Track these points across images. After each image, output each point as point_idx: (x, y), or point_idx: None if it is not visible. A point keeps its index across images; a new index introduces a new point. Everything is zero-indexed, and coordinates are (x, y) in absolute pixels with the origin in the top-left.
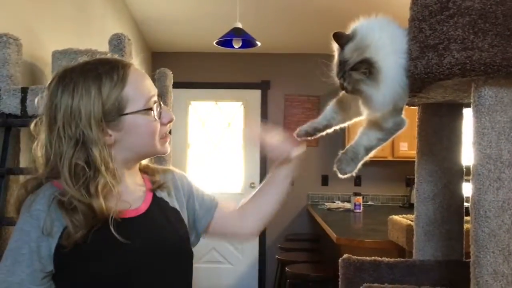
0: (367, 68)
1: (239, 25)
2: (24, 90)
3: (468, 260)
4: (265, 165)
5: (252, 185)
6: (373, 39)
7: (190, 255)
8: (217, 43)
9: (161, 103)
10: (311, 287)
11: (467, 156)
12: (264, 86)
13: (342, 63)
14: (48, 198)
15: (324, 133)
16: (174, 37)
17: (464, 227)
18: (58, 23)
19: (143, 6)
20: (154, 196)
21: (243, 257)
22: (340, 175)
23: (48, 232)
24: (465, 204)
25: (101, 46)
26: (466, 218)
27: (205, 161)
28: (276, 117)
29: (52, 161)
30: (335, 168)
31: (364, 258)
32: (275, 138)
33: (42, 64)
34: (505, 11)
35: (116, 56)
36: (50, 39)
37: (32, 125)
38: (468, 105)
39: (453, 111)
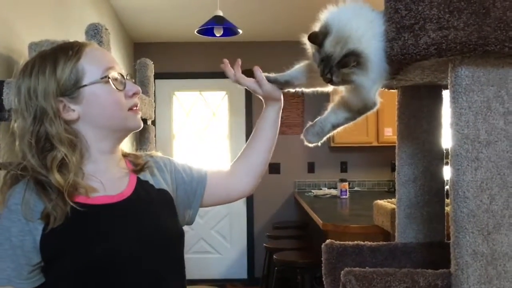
0: (355, 60)
1: (220, 13)
2: (0, 84)
3: (449, 241)
4: None
5: None
6: (351, 28)
7: (179, 234)
8: (198, 32)
9: (125, 76)
10: (299, 273)
11: (447, 138)
12: (247, 75)
13: (326, 59)
14: (23, 189)
15: (285, 90)
16: (155, 27)
17: (446, 209)
18: (35, 14)
19: None
20: (138, 180)
21: (231, 247)
22: (306, 143)
23: (31, 218)
24: (446, 186)
25: (80, 37)
26: (447, 200)
27: (191, 152)
28: (261, 105)
29: (18, 142)
30: (301, 137)
31: (346, 243)
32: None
33: (18, 56)
34: None
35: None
36: (27, 31)
37: (12, 122)
38: (447, 87)
39: (432, 93)
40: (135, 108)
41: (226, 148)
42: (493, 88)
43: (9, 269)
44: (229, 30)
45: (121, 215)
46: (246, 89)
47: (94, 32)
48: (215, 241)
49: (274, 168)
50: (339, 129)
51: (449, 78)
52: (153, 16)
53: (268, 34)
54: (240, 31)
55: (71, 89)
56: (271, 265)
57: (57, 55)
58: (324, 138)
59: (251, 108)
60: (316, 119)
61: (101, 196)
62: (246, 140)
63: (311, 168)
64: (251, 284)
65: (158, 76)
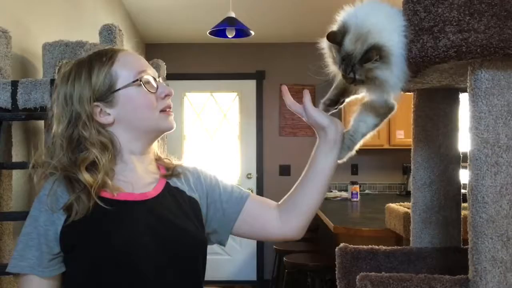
0: (377, 53)
1: (232, 15)
2: (14, 84)
3: (466, 246)
4: (261, 156)
5: (249, 176)
6: (370, 23)
7: (202, 243)
8: (210, 33)
9: (157, 79)
10: (309, 276)
11: (464, 142)
12: (259, 76)
13: (346, 58)
14: (53, 182)
15: (344, 102)
16: (168, 28)
17: (462, 213)
18: (49, 15)
19: None
20: (167, 184)
21: (241, 248)
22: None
23: (55, 209)
24: (462, 190)
25: (93, 38)
26: (463, 204)
27: (201, 153)
28: (272, 107)
29: (52, 145)
30: None
31: (361, 246)
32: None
33: (32, 57)
34: None
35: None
36: (41, 32)
37: (54, 127)
38: (464, 90)
39: (449, 96)
40: (168, 109)
41: (236, 149)
42: None
43: (34, 257)
44: (241, 31)
45: (142, 213)
46: (256, 89)
47: (108, 33)
48: None
49: (284, 170)
50: (367, 137)
51: (468, 81)
52: (165, 17)
53: (280, 36)
54: (252, 32)
55: (106, 94)
56: (281, 267)
57: (92, 62)
58: (353, 153)
59: (262, 110)
60: (344, 134)
61: (125, 193)
62: (257, 142)
63: None
64: (260, 286)
65: (169, 77)
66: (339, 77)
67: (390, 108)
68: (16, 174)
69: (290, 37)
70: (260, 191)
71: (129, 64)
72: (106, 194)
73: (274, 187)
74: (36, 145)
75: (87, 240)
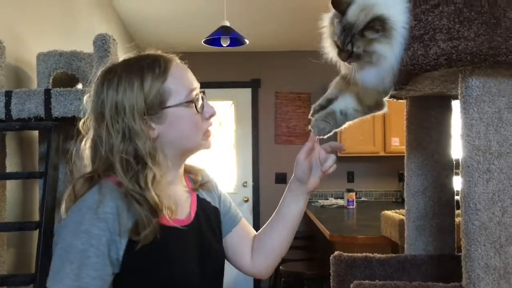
0: (381, 25)
1: (227, 23)
2: (8, 94)
3: (460, 254)
4: (257, 164)
5: (245, 184)
6: None
7: (224, 257)
8: (205, 42)
9: (204, 97)
10: (306, 285)
11: (457, 148)
12: (254, 85)
13: (347, 27)
14: (116, 199)
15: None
16: (162, 37)
17: (456, 220)
18: (43, 25)
19: (130, 6)
20: (198, 198)
21: None
22: (316, 135)
23: (120, 233)
24: (456, 197)
25: (87, 48)
26: (457, 211)
27: (197, 161)
28: (267, 115)
29: (104, 155)
30: (309, 127)
31: (355, 254)
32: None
33: (27, 66)
34: None
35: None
36: (35, 42)
37: (80, 123)
38: (456, 97)
39: (441, 103)
40: (209, 131)
41: (232, 157)
42: (504, 98)
43: (89, 277)
44: (236, 40)
45: (190, 239)
46: (252, 98)
47: (102, 42)
48: None
49: (280, 177)
50: (346, 124)
51: (459, 88)
52: (161, 26)
53: (275, 44)
54: (247, 41)
55: (156, 109)
56: (277, 275)
57: (143, 71)
58: (333, 130)
59: (257, 118)
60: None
61: (176, 218)
62: (253, 150)
63: None
64: None
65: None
66: (333, 83)
67: (378, 105)
68: (10, 184)
69: (285, 46)
70: (256, 199)
71: (182, 81)
72: (163, 219)
73: (270, 195)
74: (31, 154)
75: (150, 267)
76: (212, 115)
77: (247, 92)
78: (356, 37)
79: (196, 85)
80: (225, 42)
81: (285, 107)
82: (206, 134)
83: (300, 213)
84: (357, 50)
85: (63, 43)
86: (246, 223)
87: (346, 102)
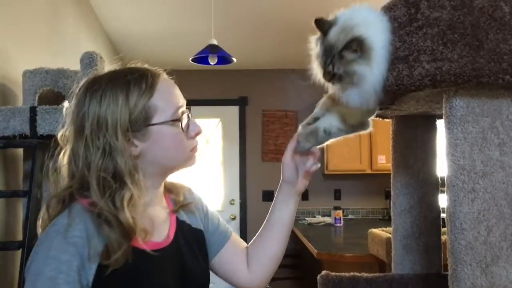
0: (358, 45)
1: (215, 42)
2: None
3: (447, 272)
4: (245, 182)
5: (232, 202)
6: (359, 17)
7: (208, 281)
8: (193, 60)
9: (189, 115)
10: None
11: (442, 167)
12: (241, 102)
13: (328, 49)
14: (85, 222)
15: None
16: (150, 55)
17: (442, 238)
18: (30, 42)
19: (118, 24)
20: (177, 220)
21: None
22: (298, 149)
23: (90, 257)
24: (442, 215)
25: (75, 65)
26: (443, 229)
27: (184, 178)
28: (255, 132)
29: (79, 172)
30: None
31: (342, 274)
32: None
33: (12, 84)
34: (473, 21)
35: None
36: (21, 58)
37: (59, 135)
38: (441, 117)
39: (427, 122)
40: (195, 149)
41: (219, 175)
42: (487, 119)
43: None
44: (224, 58)
45: (167, 262)
46: (239, 115)
47: (89, 60)
48: None
49: (268, 195)
50: (329, 141)
51: (443, 108)
52: (148, 44)
53: (262, 62)
54: (234, 59)
55: (140, 125)
56: None
57: (130, 86)
58: (318, 146)
59: (244, 135)
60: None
61: (152, 241)
62: (240, 167)
63: (304, 195)
64: None
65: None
66: (320, 103)
67: (362, 124)
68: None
69: (272, 64)
70: (243, 217)
71: (169, 97)
72: (136, 242)
73: (257, 212)
74: (15, 172)
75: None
76: (198, 133)
77: (234, 110)
78: (336, 58)
79: (183, 102)
80: (212, 61)
81: (272, 124)
82: (192, 151)
83: (292, 216)
84: (337, 71)
85: (49, 60)
86: (237, 238)
87: (330, 121)
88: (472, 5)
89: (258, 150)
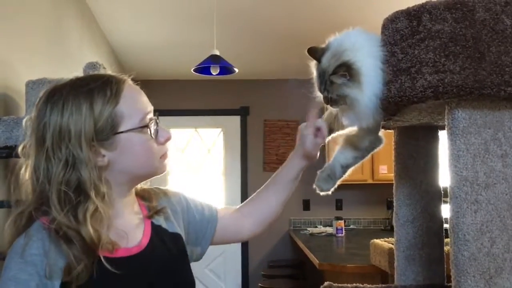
0: (346, 70)
1: (217, 52)
2: None
3: (450, 284)
4: (246, 192)
5: None
6: (349, 43)
7: (193, 284)
8: (194, 70)
9: (158, 121)
10: None
11: (445, 177)
12: (243, 112)
13: (322, 74)
14: (42, 239)
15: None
16: (152, 65)
17: (445, 249)
18: (33, 52)
19: (121, 35)
20: (153, 225)
21: (226, 286)
22: (319, 192)
23: (50, 275)
24: (445, 225)
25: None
26: (446, 240)
27: (185, 188)
28: (256, 142)
29: (40, 185)
30: (314, 186)
31: (345, 285)
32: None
33: (15, 94)
34: (474, 34)
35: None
36: (24, 69)
37: (19, 148)
38: (443, 128)
39: (429, 133)
40: (165, 155)
41: (221, 184)
42: (490, 130)
43: None
44: (225, 68)
45: (140, 267)
46: (241, 125)
47: (92, 70)
48: (209, 280)
49: None
50: (349, 170)
51: (446, 120)
52: (151, 54)
53: (264, 72)
54: (236, 69)
55: (107, 134)
56: None
57: (93, 94)
58: (338, 183)
59: (246, 145)
60: (325, 165)
61: (123, 249)
62: (241, 177)
63: (306, 205)
64: None
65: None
66: (325, 114)
67: (373, 143)
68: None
69: (273, 74)
70: None
71: (135, 104)
72: (104, 252)
73: None
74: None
75: None
76: (167, 139)
77: (236, 120)
78: (328, 83)
79: (150, 108)
80: (214, 71)
81: (273, 134)
82: (162, 157)
83: (298, 177)
84: (331, 95)
85: (53, 71)
86: (223, 209)
87: (344, 154)
88: (473, 17)
89: (259, 160)
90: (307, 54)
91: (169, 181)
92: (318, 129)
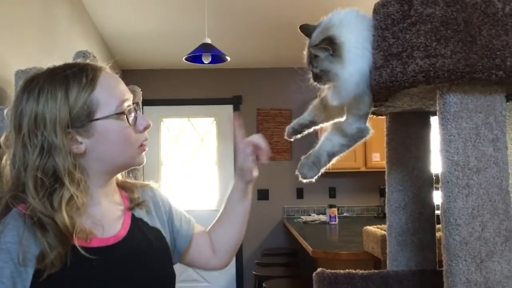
0: (328, 44)
1: (208, 41)
2: None
3: (442, 269)
4: None
5: None
6: (337, 20)
7: (173, 277)
8: (186, 59)
9: (137, 109)
10: None
11: (437, 164)
12: (236, 101)
13: (309, 50)
14: (18, 227)
15: (311, 129)
16: (144, 55)
17: (437, 235)
18: (22, 42)
19: (111, 24)
20: (133, 217)
21: (220, 275)
22: (302, 180)
23: (24, 262)
24: (436, 211)
25: None
26: (438, 226)
27: (179, 178)
28: (249, 131)
29: (16, 172)
30: (297, 172)
31: (338, 271)
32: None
33: (4, 84)
34: (466, 17)
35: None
36: (13, 59)
37: (2, 138)
38: (435, 113)
39: (420, 119)
40: (144, 143)
41: (214, 174)
42: (481, 115)
43: None
44: (217, 57)
45: (117, 258)
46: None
47: (82, 59)
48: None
49: (262, 194)
50: (334, 159)
51: (437, 105)
52: (142, 44)
53: (256, 61)
54: (228, 58)
55: (82, 121)
56: None
57: (69, 81)
58: (321, 172)
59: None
60: (310, 152)
61: (97, 238)
62: (234, 166)
63: (299, 194)
64: None
65: (146, 102)
66: (310, 107)
67: (360, 131)
68: None
69: (266, 63)
70: None
71: (112, 91)
72: (79, 241)
73: (252, 212)
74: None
75: None
76: (147, 127)
77: (228, 109)
78: (313, 58)
79: (129, 96)
80: (206, 59)
81: (266, 123)
82: (140, 148)
83: (248, 208)
84: (315, 70)
85: (42, 60)
86: (199, 229)
87: (332, 142)
88: (465, 1)
89: None
90: (300, 31)
91: (162, 170)
92: (253, 145)
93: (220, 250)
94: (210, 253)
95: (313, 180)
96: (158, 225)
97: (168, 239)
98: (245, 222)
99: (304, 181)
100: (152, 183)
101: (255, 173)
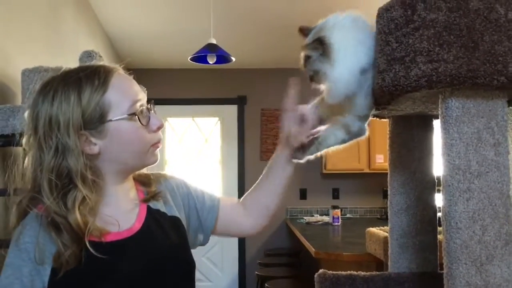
0: (318, 44)
1: (213, 41)
2: None
3: (442, 271)
4: (243, 180)
5: None
6: (332, 22)
7: (192, 265)
8: (191, 59)
9: (150, 109)
10: None
11: (439, 166)
12: (240, 101)
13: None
14: (35, 228)
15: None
16: (149, 54)
17: (438, 237)
18: (29, 40)
19: (117, 23)
20: (149, 209)
21: (222, 274)
22: (293, 159)
23: (42, 261)
24: (438, 214)
25: (73, 64)
26: (439, 228)
27: (183, 177)
28: (253, 131)
29: (33, 174)
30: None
31: (339, 272)
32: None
33: (11, 82)
34: (468, 23)
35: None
36: (20, 57)
37: (23, 141)
38: (437, 117)
39: (423, 122)
40: (158, 143)
41: (218, 173)
42: (483, 119)
43: None
44: (222, 57)
45: (132, 251)
46: (238, 114)
47: (88, 58)
48: (206, 269)
49: None
50: (331, 149)
51: (439, 109)
52: (147, 43)
53: (261, 62)
54: (233, 58)
55: (96, 123)
56: None
57: (81, 83)
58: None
59: (243, 134)
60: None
61: (111, 233)
62: (238, 166)
63: (303, 194)
64: None
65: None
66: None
67: (360, 130)
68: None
69: (271, 63)
70: None
71: (124, 92)
72: (92, 238)
73: None
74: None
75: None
76: (160, 127)
77: (233, 109)
78: (306, 58)
79: (142, 96)
80: (211, 60)
81: (271, 123)
82: (154, 147)
83: (289, 176)
84: (308, 71)
85: (48, 59)
86: (225, 200)
87: (336, 136)
88: (468, 7)
89: (256, 149)
90: (299, 32)
91: (166, 170)
92: (300, 115)
93: (255, 214)
94: (241, 218)
95: (302, 161)
96: (175, 213)
97: (186, 222)
98: (284, 189)
99: (294, 161)
100: (165, 173)
101: (301, 139)
